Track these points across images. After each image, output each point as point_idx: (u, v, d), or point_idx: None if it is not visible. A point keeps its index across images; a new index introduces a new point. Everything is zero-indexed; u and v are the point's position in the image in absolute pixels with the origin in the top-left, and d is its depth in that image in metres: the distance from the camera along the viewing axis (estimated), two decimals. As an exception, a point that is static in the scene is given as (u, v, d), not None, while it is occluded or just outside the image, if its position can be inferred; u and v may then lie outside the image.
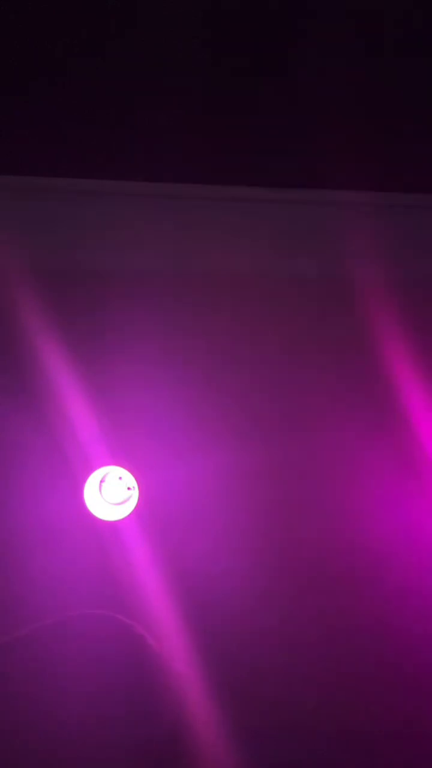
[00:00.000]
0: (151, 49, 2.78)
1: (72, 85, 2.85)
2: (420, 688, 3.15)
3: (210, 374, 3.23)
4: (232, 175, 3.16)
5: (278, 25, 2.74)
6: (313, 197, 3.23)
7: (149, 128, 2.97)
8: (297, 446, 3.22)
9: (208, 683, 2.73)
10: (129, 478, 3.16)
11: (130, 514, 3.15)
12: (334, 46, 2.75)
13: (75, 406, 3.13)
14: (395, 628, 3.17)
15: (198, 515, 3.18)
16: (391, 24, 2.71)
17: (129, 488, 3.16)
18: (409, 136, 3.04)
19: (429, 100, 2.93)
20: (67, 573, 3.10)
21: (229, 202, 3.23)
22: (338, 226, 3.19)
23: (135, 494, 3.15)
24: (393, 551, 3.20)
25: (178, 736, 1.54)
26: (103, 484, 3.16)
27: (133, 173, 3.14)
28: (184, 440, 3.20)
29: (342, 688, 3.11)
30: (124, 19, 2.71)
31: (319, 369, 3.24)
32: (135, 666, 1.55)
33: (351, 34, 2.73)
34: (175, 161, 3.06)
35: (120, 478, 3.16)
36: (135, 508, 3.15)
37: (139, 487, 3.15)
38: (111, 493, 3.16)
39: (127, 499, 3.16)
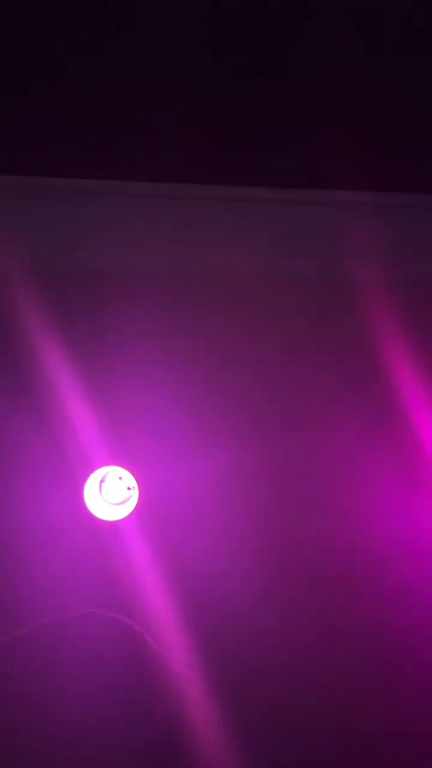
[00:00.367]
0: (151, 49, 2.78)
1: (72, 85, 2.85)
2: (420, 688, 3.15)
3: (210, 374, 3.23)
4: (232, 175, 3.16)
5: (278, 25, 2.74)
6: (313, 197, 3.23)
7: (149, 128, 2.97)
8: (297, 446, 3.22)
9: (208, 683, 2.73)
10: (129, 478, 3.16)
11: (130, 514, 3.15)
12: (334, 46, 2.75)
13: (75, 406, 3.13)
14: (395, 628, 3.17)
15: (198, 515, 3.18)
16: (391, 24, 2.71)
17: (129, 488, 3.16)
18: (409, 136, 3.04)
19: (429, 100, 2.93)
20: (67, 573, 3.10)
21: (229, 202, 3.23)
22: (338, 226, 3.19)
23: (135, 494, 3.15)
24: (393, 551, 3.20)
25: (178, 735, 1.54)
26: (103, 484, 3.16)
27: (133, 173, 3.14)
28: (184, 440, 3.20)
29: (342, 687, 3.11)
30: (124, 19, 2.71)
31: (319, 369, 3.24)
32: (135, 666, 1.55)
33: (351, 34, 2.73)
34: (175, 161, 3.06)
35: (120, 478, 3.16)
36: (135, 508, 3.15)
37: (139, 487, 3.15)
38: (111, 493, 3.16)
39: (127, 499, 3.16)
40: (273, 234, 3.28)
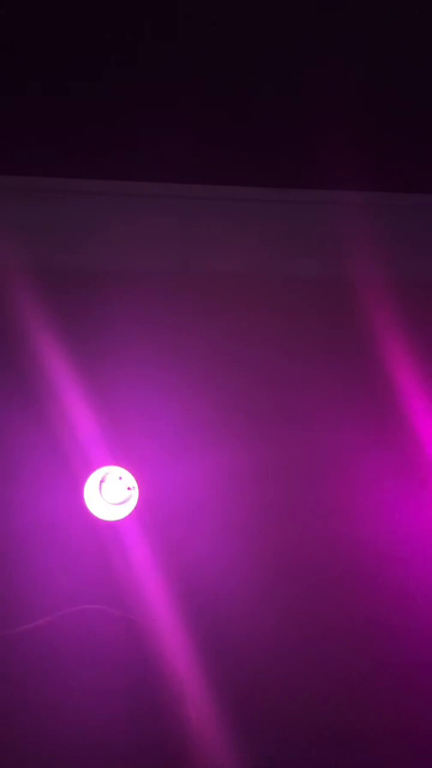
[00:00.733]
0: (151, 49, 2.78)
1: (72, 84, 2.85)
2: (420, 688, 3.15)
3: (210, 374, 3.23)
4: (232, 175, 3.16)
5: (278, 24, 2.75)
6: (313, 197, 3.23)
7: (149, 128, 2.97)
8: (297, 446, 3.22)
9: (208, 682, 2.73)
10: (129, 478, 3.16)
11: (130, 514, 3.15)
12: (335, 46, 2.75)
13: (75, 406, 3.13)
14: (396, 628, 3.16)
15: (198, 515, 3.18)
16: (392, 23, 2.71)
17: (129, 488, 3.16)
18: (410, 136, 3.04)
19: (429, 100, 2.93)
20: (67, 573, 3.10)
21: (229, 202, 3.23)
22: (338, 226, 3.19)
23: (135, 494, 3.15)
24: (393, 551, 3.20)
25: (178, 734, 1.54)
26: (103, 484, 3.16)
27: (133, 173, 3.14)
28: (184, 440, 3.20)
29: (342, 687, 3.11)
30: (125, 19, 2.71)
31: (319, 368, 3.24)
32: (136, 662, 1.55)
33: (351, 33, 2.73)
34: (175, 161, 3.06)
35: (120, 478, 3.16)
36: (135, 508, 3.15)
37: (139, 487, 3.15)
38: (111, 493, 3.16)
39: (127, 499, 3.16)
40: (273, 234, 3.28)
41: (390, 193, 3.22)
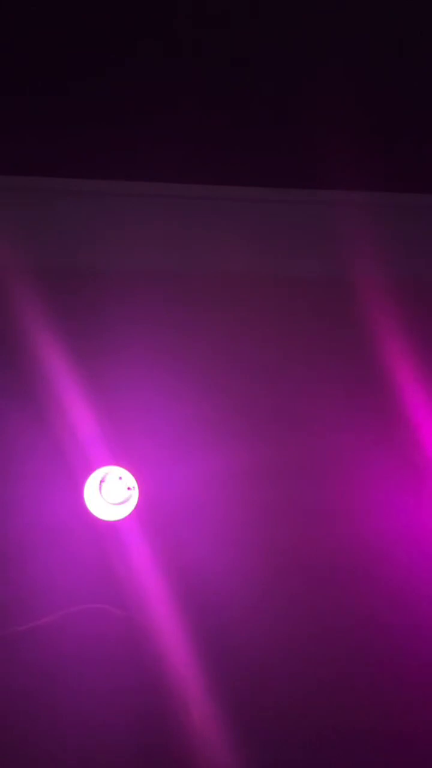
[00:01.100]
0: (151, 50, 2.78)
1: (72, 84, 2.85)
2: (421, 688, 3.15)
3: (210, 374, 3.24)
4: (232, 175, 3.16)
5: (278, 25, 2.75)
6: (313, 197, 3.23)
7: (149, 128, 2.97)
8: (297, 446, 3.22)
9: (208, 682, 2.73)
10: (129, 478, 3.16)
11: (130, 514, 3.15)
12: (335, 46, 2.75)
13: (75, 406, 3.13)
14: (396, 628, 3.17)
15: (198, 515, 3.18)
16: (393, 23, 2.71)
17: (129, 488, 3.16)
18: (410, 136, 3.04)
19: (429, 100, 2.93)
20: (67, 573, 3.10)
21: (229, 202, 3.23)
22: (338, 226, 3.19)
23: (135, 494, 3.16)
24: (393, 551, 3.20)
25: (179, 732, 1.54)
26: (103, 484, 3.16)
27: (133, 173, 3.14)
28: (184, 440, 3.20)
29: (342, 687, 3.11)
30: (126, 21, 2.71)
31: (319, 368, 3.24)
32: (137, 661, 1.56)
33: (351, 33, 2.73)
34: (176, 161, 3.06)
35: (120, 478, 3.16)
36: (135, 508, 3.15)
37: (139, 487, 3.15)
38: (111, 493, 3.16)
39: (127, 499, 3.16)
40: (273, 234, 3.28)
41: (390, 193, 3.22)
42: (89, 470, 3.16)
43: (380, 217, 3.22)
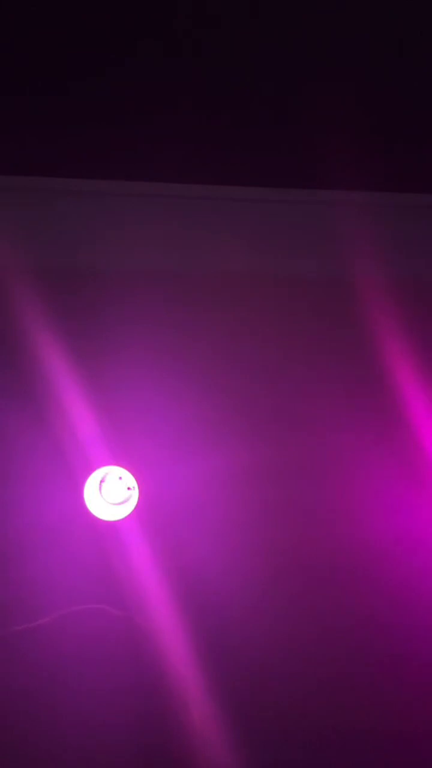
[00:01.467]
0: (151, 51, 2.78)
1: (72, 84, 2.85)
2: (421, 688, 3.15)
3: (210, 374, 3.24)
4: (232, 175, 3.16)
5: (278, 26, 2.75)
6: (313, 197, 3.23)
7: (149, 128, 2.97)
8: (297, 446, 3.22)
9: (208, 682, 2.73)
10: (129, 478, 3.16)
11: (130, 514, 3.15)
12: (335, 46, 2.75)
13: (75, 406, 3.13)
14: (396, 629, 3.17)
15: (198, 515, 3.18)
16: (393, 23, 2.71)
17: (129, 488, 3.16)
18: (410, 136, 3.04)
19: (429, 100, 2.93)
20: (67, 573, 3.10)
21: (229, 202, 3.23)
22: (338, 226, 3.19)
23: (135, 494, 3.15)
24: (394, 551, 3.20)
25: (179, 733, 1.54)
26: (103, 484, 3.16)
27: (133, 173, 3.14)
28: (184, 440, 3.20)
29: (342, 687, 3.11)
30: (127, 22, 2.71)
31: (319, 369, 3.24)
32: (137, 662, 1.56)
33: (351, 33, 2.73)
34: (176, 161, 3.06)
35: (120, 478, 3.16)
36: (135, 508, 3.15)
37: (139, 487, 3.15)
38: (111, 493, 3.16)
39: (127, 499, 3.16)
40: (273, 234, 3.28)
41: (390, 193, 3.22)
42: (89, 470, 3.16)
43: (380, 217, 3.21)
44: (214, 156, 3.08)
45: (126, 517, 3.15)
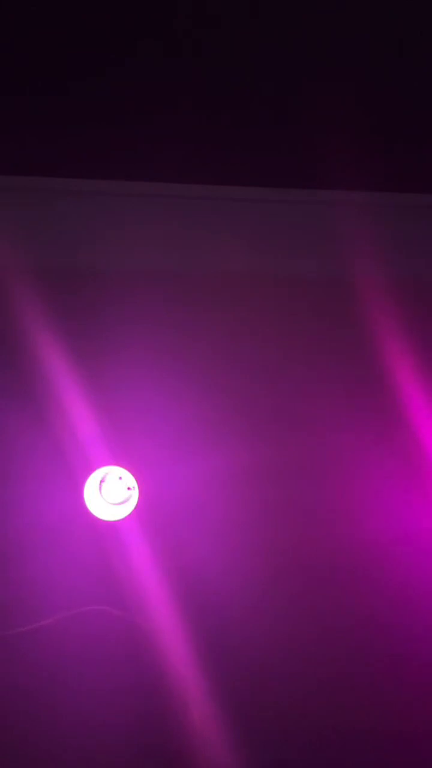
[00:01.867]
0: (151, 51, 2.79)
1: (72, 84, 2.85)
2: (421, 688, 3.15)
3: (210, 374, 3.24)
4: (232, 175, 3.16)
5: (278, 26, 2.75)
6: (313, 197, 3.23)
7: (149, 128, 2.97)
8: (297, 446, 3.22)
9: (208, 682, 2.73)
10: (129, 478, 3.16)
11: (130, 514, 3.15)
12: (334, 46, 2.75)
13: (75, 406, 3.13)
14: (396, 629, 3.17)
15: (198, 515, 3.18)
16: (393, 23, 2.71)
17: (129, 488, 3.16)
18: (410, 136, 3.04)
19: (429, 100, 2.93)
20: (67, 573, 3.10)
21: (229, 202, 3.23)
22: (338, 226, 3.19)
23: (135, 494, 3.16)
24: (394, 551, 3.20)
25: (179, 733, 1.54)
26: (103, 484, 3.16)
27: (133, 173, 3.14)
28: (184, 440, 3.20)
29: (342, 687, 3.11)
30: (127, 23, 2.71)
31: (319, 369, 3.25)
32: (138, 662, 1.56)
33: (351, 33, 2.73)
34: (176, 161, 3.06)
35: (120, 478, 3.16)
36: (135, 508, 3.15)
37: (139, 487, 3.15)
38: (111, 493, 3.16)
39: (127, 499, 3.16)
40: (273, 234, 3.29)
41: (390, 193, 3.22)
42: (89, 470, 3.16)
43: (380, 217, 3.22)
44: (214, 156, 3.08)
45: (126, 517, 3.15)
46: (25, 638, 1.51)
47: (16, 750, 1.45)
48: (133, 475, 3.16)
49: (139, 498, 3.15)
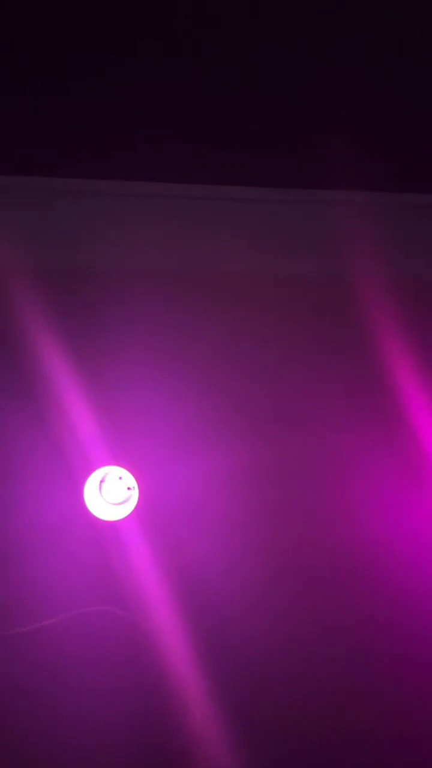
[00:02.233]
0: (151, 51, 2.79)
1: (72, 84, 2.85)
2: (420, 688, 3.15)
3: (210, 374, 3.24)
4: (232, 175, 3.17)
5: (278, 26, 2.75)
6: (313, 197, 3.23)
7: (149, 128, 2.97)
8: (297, 446, 3.22)
9: (208, 682, 2.73)
10: (129, 478, 3.16)
11: (130, 514, 3.15)
12: (334, 46, 2.75)
13: (75, 406, 3.14)
14: (396, 629, 3.17)
15: (198, 515, 3.18)
16: (393, 23, 2.71)
17: (129, 488, 3.16)
18: (410, 136, 3.05)
19: (429, 100, 2.93)
20: (67, 573, 3.10)
21: (229, 202, 3.23)
22: (338, 226, 3.19)
23: (135, 494, 3.16)
24: (394, 551, 3.20)
25: (180, 734, 1.54)
26: (103, 484, 3.16)
27: (133, 173, 3.15)
28: (184, 440, 3.21)
29: (342, 687, 3.11)
30: (127, 23, 2.71)
31: (319, 369, 3.25)
32: (138, 663, 1.56)
33: (351, 33, 2.73)
34: (176, 161, 3.07)
35: (120, 478, 3.16)
36: (135, 508, 3.15)
37: (139, 487, 3.15)
38: (111, 493, 3.16)
39: (127, 499, 3.16)
40: (273, 234, 3.29)
41: (390, 193, 3.22)
42: (89, 470, 3.16)
43: (380, 217, 3.22)
44: (214, 156, 3.08)
45: (126, 517, 3.15)
46: (26, 638, 1.51)
47: (16, 750, 1.45)
48: (133, 475, 3.16)
49: (139, 498, 3.15)
